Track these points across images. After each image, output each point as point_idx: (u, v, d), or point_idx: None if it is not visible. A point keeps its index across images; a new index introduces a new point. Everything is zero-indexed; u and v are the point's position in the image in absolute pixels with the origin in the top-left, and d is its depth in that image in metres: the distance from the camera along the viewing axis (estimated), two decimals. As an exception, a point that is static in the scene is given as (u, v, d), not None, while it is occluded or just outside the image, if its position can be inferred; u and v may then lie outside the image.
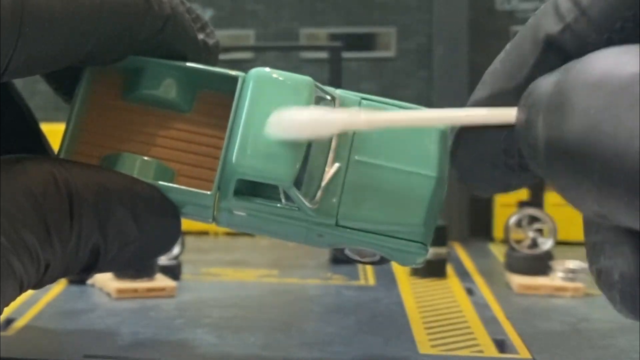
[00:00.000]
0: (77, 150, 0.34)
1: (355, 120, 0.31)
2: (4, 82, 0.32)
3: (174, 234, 0.34)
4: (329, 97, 0.35)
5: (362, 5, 0.81)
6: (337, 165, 0.34)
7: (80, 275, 0.34)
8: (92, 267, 0.33)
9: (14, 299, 0.30)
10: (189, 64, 0.35)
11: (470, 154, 0.30)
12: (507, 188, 0.30)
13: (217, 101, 0.35)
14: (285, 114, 0.32)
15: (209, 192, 0.33)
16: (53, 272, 0.31)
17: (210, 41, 0.35)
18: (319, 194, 0.34)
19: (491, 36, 0.77)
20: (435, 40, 0.77)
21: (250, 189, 0.34)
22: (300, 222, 0.34)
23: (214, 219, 0.35)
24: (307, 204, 0.33)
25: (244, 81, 0.34)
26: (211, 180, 0.34)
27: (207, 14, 0.81)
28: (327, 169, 0.34)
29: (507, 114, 0.28)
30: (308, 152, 0.33)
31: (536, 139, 0.25)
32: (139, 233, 0.33)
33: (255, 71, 0.34)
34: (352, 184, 0.34)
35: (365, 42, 0.82)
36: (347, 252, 0.36)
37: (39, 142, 0.37)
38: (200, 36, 0.35)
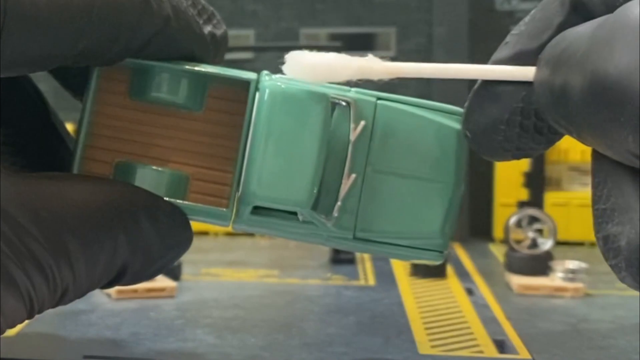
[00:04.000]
0: (90, 156, 0.34)
1: (370, 67, 0.31)
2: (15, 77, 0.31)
3: (187, 244, 0.34)
4: (344, 103, 0.34)
5: (362, 5, 0.81)
6: (353, 176, 0.34)
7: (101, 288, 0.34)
8: (115, 282, 0.32)
9: (19, 316, 0.29)
10: (196, 68, 0.34)
11: (485, 113, 0.30)
12: (518, 153, 0.30)
13: (229, 97, 0.34)
14: (301, 56, 0.32)
15: (225, 209, 0.33)
16: (75, 293, 0.30)
17: (218, 32, 0.34)
18: (336, 209, 0.33)
19: (491, 36, 0.77)
20: (435, 40, 0.77)
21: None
22: (318, 236, 0.34)
23: (231, 223, 0.35)
24: (325, 222, 0.33)
25: (257, 89, 0.33)
26: (227, 184, 0.33)
27: (207, 14, 0.81)
28: (343, 180, 0.33)
29: (527, 72, 0.28)
30: (324, 170, 0.33)
31: (568, 82, 0.25)
32: (162, 250, 0.33)
33: (269, 87, 0.33)
34: (369, 195, 0.34)
35: (365, 42, 0.82)
36: None
37: (57, 132, 0.37)
38: (208, 28, 0.34)
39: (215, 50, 0.34)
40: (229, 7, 0.82)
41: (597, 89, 0.24)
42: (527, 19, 0.30)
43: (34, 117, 0.37)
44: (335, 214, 0.33)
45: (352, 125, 0.34)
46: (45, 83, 0.38)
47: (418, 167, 0.34)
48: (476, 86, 0.30)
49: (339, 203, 0.33)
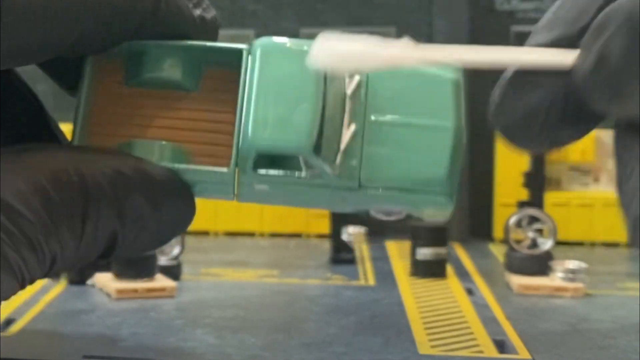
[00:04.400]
0: (88, 144, 0.34)
1: (406, 56, 0.30)
2: (4, 72, 0.31)
3: (188, 215, 0.34)
4: None
5: (362, 5, 0.81)
6: (353, 126, 0.34)
7: (97, 262, 0.33)
8: (109, 253, 0.32)
9: (12, 293, 0.29)
10: (189, 42, 0.34)
11: (522, 102, 0.29)
12: (554, 143, 0.29)
13: (224, 77, 0.34)
14: (328, 43, 0.31)
15: (225, 170, 0.33)
16: (64, 263, 0.30)
17: (208, 16, 0.35)
18: (338, 157, 0.33)
19: (491, 36, 0.77)
20: (436, 41, 0.77)
21: (270, 161, 0.34)
22: (323, 188, 0.34)
23: (235, 196, 0.34)
24: (328, 169, 0.33)
25: (249, 53, 0.34)
26: (227, 157, 0.33)
27: (207, 14, 0.81)
28: (344, 130, 0.34)
29: (570, 56, 0.27)
30: (323, 118, 0.33)
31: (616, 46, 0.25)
32: (156, 217, 0.32)
33: (261, 41, 0.34)
34: (371, 144, 0.34)
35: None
36: (372, 212, 0.36)
37: (51, 132, 0.37)
38: (197, 12, 0.34)
39: (206, 33, 0.35)
40: (229, 7, 0.82)
41: None
42: (554, 7, 0.28)
43: (29, 118, 0.37)
44: (337, 162, 0.33)
45: (347, 80, 0.34)
46: (44, 83, 0.38)
47: (417, 116, 0.34)
48: (509, 74, 0.29)
49: (341, 151, 0.33)
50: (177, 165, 0.33)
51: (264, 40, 0.34)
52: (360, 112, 0.34)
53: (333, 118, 0.34)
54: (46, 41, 0.30)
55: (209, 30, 0.35)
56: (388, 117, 0.34)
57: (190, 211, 0.34)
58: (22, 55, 0.30)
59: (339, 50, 0.31)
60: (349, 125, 0.34)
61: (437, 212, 0.35)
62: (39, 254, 0.29)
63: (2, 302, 0.29)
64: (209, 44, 0.34)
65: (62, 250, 0.30)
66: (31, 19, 0.29)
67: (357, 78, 0.34)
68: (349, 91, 0.34)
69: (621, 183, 0.27)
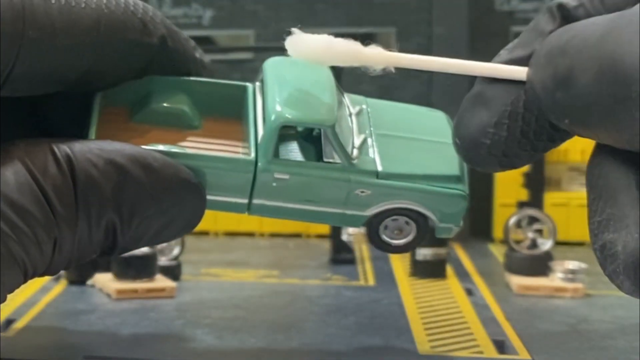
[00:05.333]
0: None
1: (373, 55, 0.32)
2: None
3: (197, 210, 0.33)
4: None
5: (362, 5, 0.81)
6: (363, 136, 0.35)
7: (103, 257, 0.33)
8: (113, 247, 0.32)
9: (17, 286, 0.30)
10: (196, 78, 0.35)
11: (475, 116, 0.30)
12: (504, 160, 0.30)
13: (224, 123, 0.35)
14: (304, 36, 0.32)
15: (249, 157, 0.33)
16: (63, 255, 0.30)
17: (206, 59, 0.36)
18: (355, 152, 0.34)
19: (491, 36, 0.77)
20: (435, 40, 0.77)
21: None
22: (342, 180, 0.34)
23: (249, 203, 0.34)
24: (348, 151, 0.34)
25: (254, 89, 0.35)
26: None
27: (207, 14, 0.81)
28: (354, 137, 0.35)
29: (521, 72, 0.29)
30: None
31: (575, 67, 0.26)
32: (157, 208, 0.32)
33: (269, 59, 0.36)
34: (383, 149, 0.35)
35: (365, 42, 0.82)
36: (383, 236, 0.36)
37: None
38: (197, 54, 0.35)
39: (206, 74, 0.36)
40: (229, 7, 0.82)
41: (612, 71, 0.25)
42: (519, 37, 0.31)
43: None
44: (355, 154, 0.34)
45: (350, 107, 0.36)
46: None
47: (421, 134, 0.36)
48: (468, 93, 0.31)
49: (356, 146, 0.35)
50: (193, 152, 0.33)
51: (269, 60, 0.36)
52: (366, 128, 0.36)
53: (342, 124, 0.34)
54: (64, 65, 0.31)
55: (208, 72, 0.36)
56: (394, 133, 0.36)
57: (199, 204, 0.33)
58: (42, 79, 0.31)
59: (314, 42, 0.32)
60: (358, 134, 0.35)
61: (452, 216, 0.36)
62: (37, 245, 0.29)
63: (2, 302, 0.29)
64: (215, 80, 0.36)
65: (61, 241, 0.30)
66: (53, 40, 0.29)
67: (358, 106, 0.37)
68: (354, 111, 0.36)
69: (590, 217, 0.28)
